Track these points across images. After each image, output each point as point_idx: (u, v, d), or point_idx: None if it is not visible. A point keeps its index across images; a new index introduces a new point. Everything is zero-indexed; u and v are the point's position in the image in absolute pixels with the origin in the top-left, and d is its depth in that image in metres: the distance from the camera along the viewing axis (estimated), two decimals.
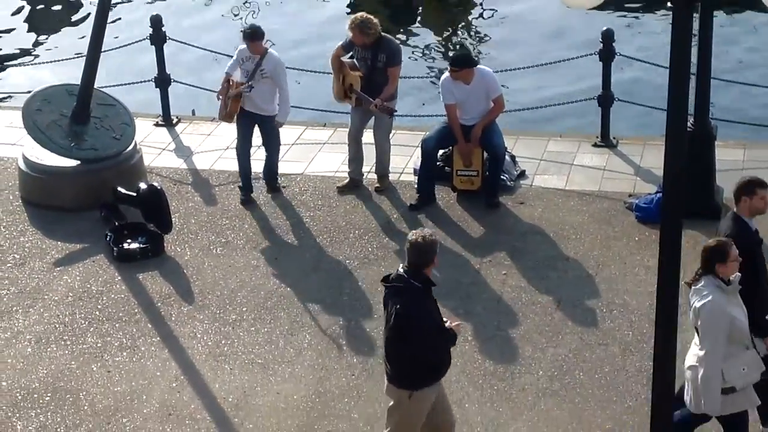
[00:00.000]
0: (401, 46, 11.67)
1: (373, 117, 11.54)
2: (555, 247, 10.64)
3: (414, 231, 7.41)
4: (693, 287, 7.47)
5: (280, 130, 11.60)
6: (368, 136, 11.74)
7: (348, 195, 11.58)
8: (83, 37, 16.95)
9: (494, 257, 10.53)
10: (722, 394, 7.35)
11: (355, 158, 11.69)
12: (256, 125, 11.39)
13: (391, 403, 7.57)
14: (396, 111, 11.44)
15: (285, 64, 11.31)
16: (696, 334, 7.51)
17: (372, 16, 11.29)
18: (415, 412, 7.44)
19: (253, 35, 11.10)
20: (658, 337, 6.63)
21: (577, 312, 9.72)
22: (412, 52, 17.56)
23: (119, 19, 18.05)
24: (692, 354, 7.53)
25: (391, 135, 11.73)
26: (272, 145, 11.52)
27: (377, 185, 11.70)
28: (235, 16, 18.93)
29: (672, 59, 6.15)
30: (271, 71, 11.16)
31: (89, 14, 18.74)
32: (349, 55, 11.52)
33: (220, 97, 11.37)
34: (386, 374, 7.53)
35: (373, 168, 11.76)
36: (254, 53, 11.15)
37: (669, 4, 6.08)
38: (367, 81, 11.31)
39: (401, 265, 7.39)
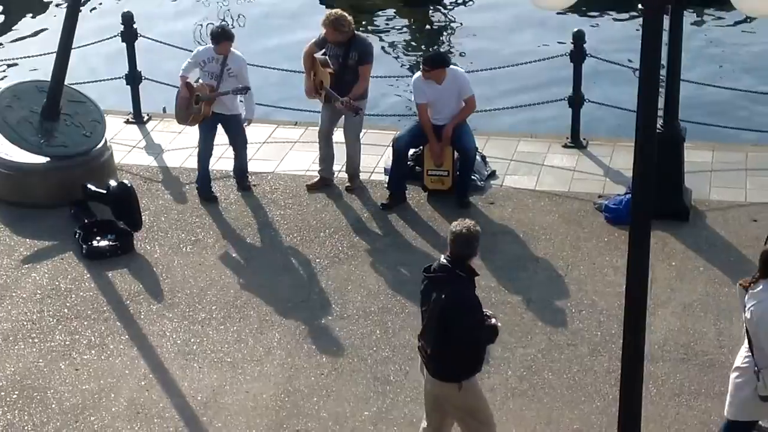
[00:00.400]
0: (373, 45, 11.66)
1: (343, 116, 11.54)
2: (525, 248, 10.68)
3: (457, 221, 7.32)
4: (749, 291, 7.39)
5: (251, 128, 11.58)
6: (339, 135, 11.74)
7: (318, 194, 11.58)
8: (48, 31, 16.90)
9: None
10: (761, 400, 7.33)
11: (326, 157, 11.69)
12: (219, 125, 11.39)
13: (433, 397, 7.46)
14: (362, 110, 11.40)
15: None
16: (746, 337, 7.44)
17: (346, 14, 11.28)
18: (474, 397, 7.39)
19: (226, 35, 11.09)
20: (627, 337, 6.66)
21: (547, 312, 9.75)
22: (384, 51, 17.57)
23: (94, 8, 17.94)
24: (739, 356, 7.51)
25: (361, 134, 11.74)
26: (240, 143, 11.52)
27: (347, 185, 11.70)
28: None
29: (642, 61, 6.18)
30: (237, 70, 11.20)
31: (59, 9, 18.66)
32: (322, 51, 11.51)
33: (185, 99, 11.29)
34: (426, 368, 7.40)
35: (344, 167, 11.76)
36: (221, 53, 11.14)
37: (640, 6, 6.11)
38: (337, 79, 11.31)
39: (443, 255, 7.32)
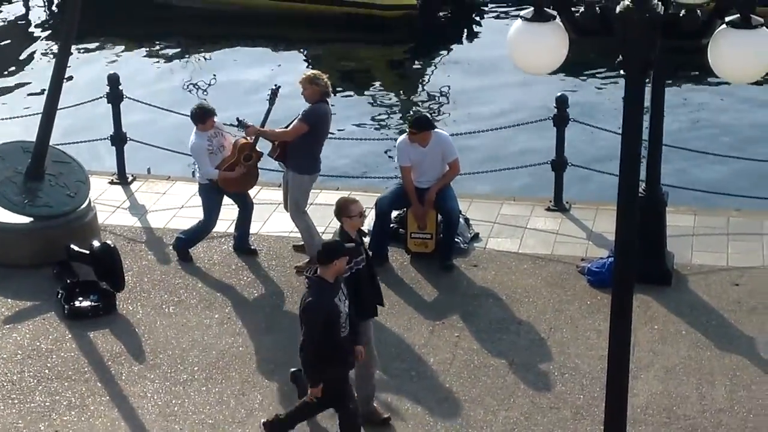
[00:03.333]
0: (326, 117, 11.15)
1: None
2: (508, 310, 10.68)
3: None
4: None
5: None
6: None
7: (301, 255, 11.55)
8: (36, 94, 16.96)
9: (447, 319, 10.55)
10: None
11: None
12: (227, 197, 11.48)
13: None
14: (247, 127, 11.04)
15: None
16: None
17: (324, 75, 11.24)
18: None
19: (209, 113, 11.16)
20: (609, 401, 6.66)
21: (529, 375, 9.74)
22: (369, 114, 17.67)
23: (70, 77, 18.02)
24: None
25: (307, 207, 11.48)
26: (251, 205, 11.62)
27: (297, 264, 11.37)
28: (191, 87, 18.91)
29: (624, 126, 6.25)
30: (222, 128, 11.36)
31: (45, 70, 18.74)
32: None
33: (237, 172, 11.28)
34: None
35: (327, 229, 11.76)
36: (211, 128, 11.20)
37: (622, 71, 6.18)
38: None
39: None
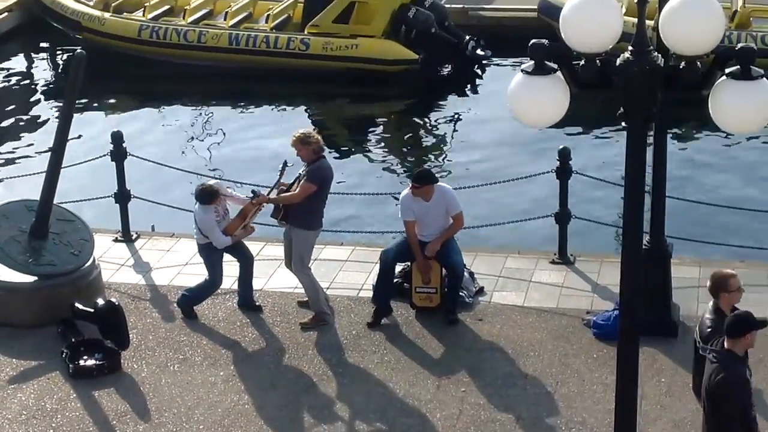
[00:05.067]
0: (329, 173, 11.21)
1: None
2: (514, 364, 10.64)
3: None
4: None
5: None
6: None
7: (305, 312, 11.52)
8: (40, 152, 17.02)
9: (453, 374, 10.50)
10: None
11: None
12: (226, 254, 11.49)
13: None
14: (257, 197, 11.20)
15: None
16: None
17: (313, 132, 11.31)
18: None
19: (215, 193, 11.22)
20: None
21: (537, 430, 9.68)
22: (372, 168, 17.71)
23: (80, 135, 18.09)
24: None
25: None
26: (252, 260, 11.63)
27: (302, 321, 11.38)
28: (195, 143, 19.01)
29: (627, 178, 6.25)
30: (225, 192, 11.51)
31: (50, 129, 18.82)
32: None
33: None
34: None
35: (332, 284, 11.75)
36: (218, 203, 11.28)
37: (624, 123, 6.20)
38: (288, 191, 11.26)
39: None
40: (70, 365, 10.61)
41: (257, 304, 11.69)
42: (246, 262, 11.60)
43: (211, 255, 11.42)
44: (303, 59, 21.11)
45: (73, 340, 10.93)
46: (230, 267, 11.63)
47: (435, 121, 20.15)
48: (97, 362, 10.65)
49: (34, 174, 13.71)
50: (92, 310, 10.95)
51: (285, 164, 11.40)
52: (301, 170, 11.27)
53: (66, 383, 10.49)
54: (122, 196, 13.36)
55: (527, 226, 13.68)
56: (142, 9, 22.37)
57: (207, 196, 11.24)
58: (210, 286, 11.53)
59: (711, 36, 5.97)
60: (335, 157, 17.24)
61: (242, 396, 10.26)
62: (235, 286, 11.83)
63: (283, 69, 21.06)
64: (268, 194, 11.33)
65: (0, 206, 11.95)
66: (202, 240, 11.37)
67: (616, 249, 13.10)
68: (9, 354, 10.96)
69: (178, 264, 12.55)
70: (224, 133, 19.27)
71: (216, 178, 15.72)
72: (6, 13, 23.85)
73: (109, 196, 13.50)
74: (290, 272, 11.52)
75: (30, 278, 11.50)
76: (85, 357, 10.72)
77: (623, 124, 6.19)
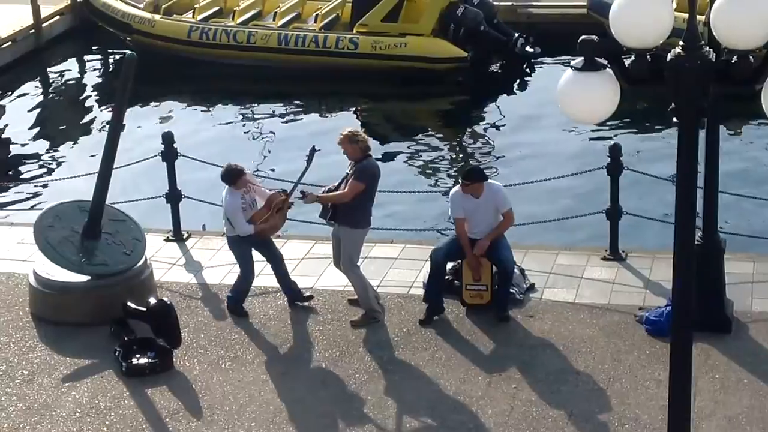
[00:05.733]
0: (377, 171, 11.24)
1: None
2: (565, 361, 10.60)
3: None
4: None
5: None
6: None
7: (356, 309, 11.55)
8: (92, 154, 17.16)
9: (504, 371, 10.48)
10: None
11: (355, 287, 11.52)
12: (253, 248, 11.55)
13: None
14: (306, 196, 11.18)
15: None
16: None
17: (360, 131, 11.33)
18: None
19: (239, 173, 11.27)
20: None
21: (589, 426, 9.64)
22: (422, 167, 17.71)
23: (131, 137, 18.23)
24: None
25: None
26: (280, 256, 11.67)
27: (352, 320, 11.38)
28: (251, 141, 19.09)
29: (678, 173, 6.21)
30: (254, 182, 11.61)
31: (102, 131, 18.99)
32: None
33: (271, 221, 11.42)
34: None
35: (383, 282, 11.77)
36: (243, 186, 11.32)
37: (675, 119, 6.16)
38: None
39: None
40: (123, 364, 10.69)
41: (307, 294, 11.70)
42: (274, 260, 11.62)
43: (240, 247, 11.47)
44: (352, 58, 21.15)
45: (125, 338, 11.02)
46: (293, 265, 11.65)
47: (484, 118, 20.12)
48: (150, 360, 10.73)
49: (86, 175, 13.83)
50: (144, 309, 11.04)
51: (313, 150, 11.35)
52: (347, 169, 11.29)
53: (119, 381, 10.58)
54: (173, 196, 13.45)
55: (578, 222, 13.62)
56: (192, 11, 22.51)
57: (232, 174, 11.29)
58: (243, 282, 11.60)
59: (763, 30, 5.91)
60: (384, 156, 17.24)
61: (293, 393, 10.29)
62: None
63: (332, 68, 21.11)
64: (298, 182, 11.29)
65: (53, 207, 12.06)
66: (230, 232, 11.41)
67: (668, 245, 12.99)
68: (63, 353, 11.07)
69: (228, 263, 12.59)
70: (273, 133, 19.35)
71: (266, 177, 15.83)
72: (57, 17, 24.08)
73: (160, 196, 13.59)
74: (339, 271, 11.54)
75: (83, 278, 11.60)
76: (138, 355, 10.80)
77: (674, 119, 6.14)
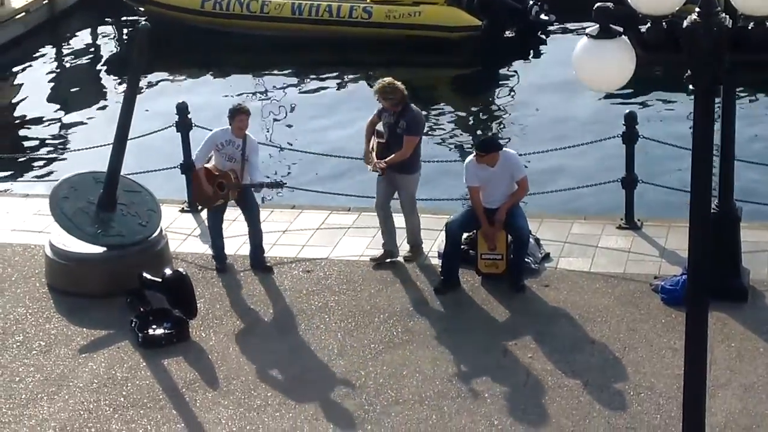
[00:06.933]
0: (423, 118, 11.81)
1: (398, 190, 11.68)
2: (581, 330, 10.59)
3: None
4: None
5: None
6: (399, 220, 11.76)
7: (372, 279, 11.57)
8: (107, 124, 17.16)
9: (520, 340, 10.48)
10: None
11: (385, 230, 11.88)
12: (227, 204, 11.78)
13: None
14: (383, 171, 11.49)
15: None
16: None
17: (398, 83, 11.45)
18: None
19: (237, 111, 11.36)
20: (687, 420, 6.58)
21: (604, 395, 9.64)
22: (436, 136, 17.67)
23: (145, 108, 18.24)
24: None
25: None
26: (256, 214, 11.81)
27: (406, 254, 11.86)
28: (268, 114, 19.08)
29: (694, 142, 6.18)
30: (249, 154, 11.50)
31: (116, 101, 18.99)
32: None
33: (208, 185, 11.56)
34: None
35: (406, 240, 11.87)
36: (238, 136, 11.34)
37: (691, 86, 6.12)
38: (386, 146, 11.56)
39: None
40: (140, 334, 10.73)
41: (268, 264, 11.85)
42: (249, 215, 11.75)
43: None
44: (366, 27, 21.08)
45: (141, 309, 11.05)
46: (292, 236, 11.67)
47: (499, 87, 20.05)
48: (166, 331, 10.76)
49: (101, 146, 13.84)
50: (160, 280, 11.06)
51: (280, 184, 11.84)
52: (383, 120, 11.52)
53: (135, 352, 10.61)
54: (188, 167, 13.44)
55: (593, 191, 13.58)
56: None
57: (231, 110, 11.41)
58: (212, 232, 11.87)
59: None
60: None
61: (309, 364, 10.31)
62: (301, 255, 11.89)
63: (346, 38, 21.05)
64: (252, 184, 11.46)
65: (68, 178, 12.07)
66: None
67: (683, 213, 12.95)
68: (79, 324, 11.11)
69: (243, 233, 12.59)
70: (287, 103, 19.31)
71: (280, 148, 15.83)
72: None
73: (175, 167, 13.59)
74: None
75: (99, 249, 11.63)
76: (154, 326, 10.83)
77: (690, 87, 6.11)
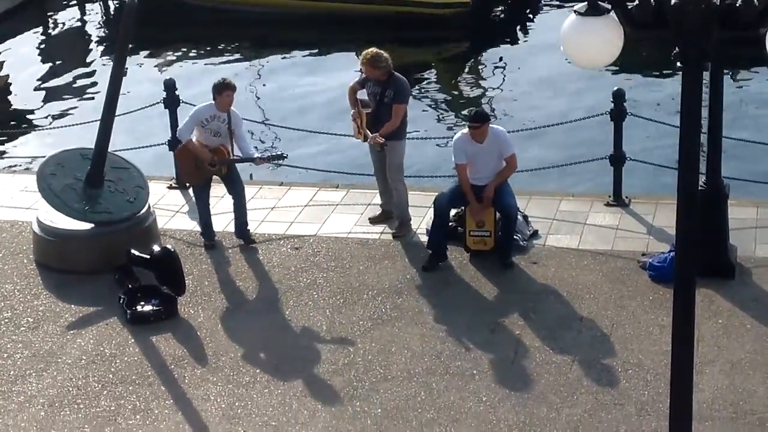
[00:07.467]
0: (408, 85, 11.80)
1: (387, 158, 11.69)
2: (569, 307, 10.62)
3: None
4: None
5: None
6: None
7: (360, 256, 11.58)
8: (94, 101, 17.12)
9: (508, 317, 10.50)
10: None
11: (384, 190, 12.00)
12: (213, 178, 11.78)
13: None
14: (386, 145, 11.52)
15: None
16: None
17: (383, 52, 11.46)
18: None
19: (222, 87, 11.31)
20: (674, 396, 6.60)
21: (592, 372, 9.67)
22: (423, 112, 17.65)
23: (132, 84, 18.19)
24: None
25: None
26: (241, 189, 11.80)
27: (394, 231, 11.86)
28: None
29: (682, 118, 6.18)
30: (237, 125, 11.51)
31: (104, 78, 18.93)
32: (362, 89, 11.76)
33: (192, 160, 11.55)
34: None
35: (386, 229, 11.83)
36: (223, 110, 11.34)
37: (679, 63, 6.12)
38: (374, 116, 11.63)
39: None
40: (128, 311, 10.73)
41: (253, 239, 11.90)
42: (233, 190, 11.73)
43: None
44: (354, 4, 21.05)
45: (129, 286, 11.05)
46: (279, 213, 11.66)
47: (487, 64, 20.03)
48: (154, 308, 10.76)
49: (88, 122, 13.80)
50: (148, 257, 11.05)
51: (281, 156, 11.64)
52: (368, 90, 11.58)
53: (124, 329, 10.61)
54: (176, 143, 13.39)
55: (581, 168, 13.60)
56: None
57: (215, 85, 11.38)
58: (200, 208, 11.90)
59: None
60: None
61: (298, 340, 10.33)
62: (289, 232, 11.89)
63: (334, 13, 21.00)
64: (237, 160, 11.49)
65: (55, 155, 12.04)
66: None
67: (671, 190, 12.97)
68: (67, 300, 11.10)
69: (231, 210, 12.60)
70: (275, 79, 19.27)
71: (268, 124, 15.80)
72: None
73: (162, 144, 13.57)
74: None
75: (86, 226, 11.61)
76: (142, 303, 10.82)
77: (678, 64, 6.10)
